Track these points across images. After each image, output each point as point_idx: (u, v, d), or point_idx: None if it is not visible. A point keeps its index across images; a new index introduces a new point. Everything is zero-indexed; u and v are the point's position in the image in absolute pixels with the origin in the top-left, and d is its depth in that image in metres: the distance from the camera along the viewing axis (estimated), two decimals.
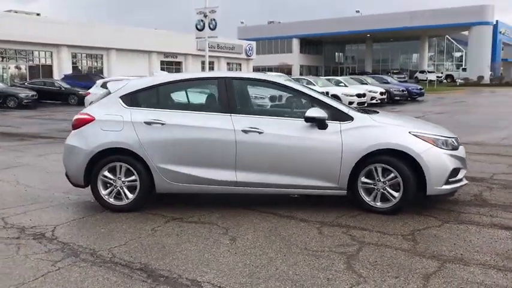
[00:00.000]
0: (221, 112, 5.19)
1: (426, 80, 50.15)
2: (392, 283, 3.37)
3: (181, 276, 3.55)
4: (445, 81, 58.98)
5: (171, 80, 5.52)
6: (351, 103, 20.35)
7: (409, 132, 5.06)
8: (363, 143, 4.96)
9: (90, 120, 5.29)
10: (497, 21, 62.58)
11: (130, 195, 5.26)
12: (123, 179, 5.25)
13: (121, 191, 5.27)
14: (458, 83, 55.18)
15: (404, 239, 4.29)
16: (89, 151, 5.20)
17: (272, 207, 5.33)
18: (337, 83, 24.57)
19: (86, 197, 5.93)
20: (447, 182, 5.01)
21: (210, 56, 44.79)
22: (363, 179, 5.07)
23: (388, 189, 5.01)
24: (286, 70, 61.61)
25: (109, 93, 5.47)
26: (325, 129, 5.00)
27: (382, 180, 5.01)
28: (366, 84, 26.25)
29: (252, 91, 5.51)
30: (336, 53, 79.59)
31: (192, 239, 4.37)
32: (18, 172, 7.63)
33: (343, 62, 79.48)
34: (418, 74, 59.62)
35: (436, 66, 71.30)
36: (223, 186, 5.17)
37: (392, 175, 4.96)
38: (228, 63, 53.58)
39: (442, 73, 63.18)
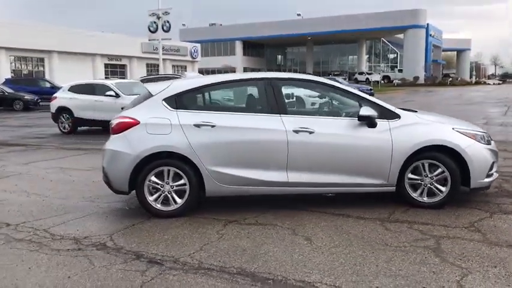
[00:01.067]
0: (270, 113, 5.17)
1: (366, 81, 52.10)
2: (496, 272, 3.53)
3: (288, 278, 3.51)
4: (382, 81, 61.52)
5: (215, 81, 5.42)
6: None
7: (453, 129, 5.29)
8: (412, 140, 5.12)
9: (135, 124, 5.09)
10: (428, 24, 66.17)
11: (179, 200, 5.11)
12: (171, 184, 5.09)
13: (169, 196, 5.11)
14: (395, 84, 57.75)
15: (470, 231, 4.48)
16: (135, 156, 5.00)
17: (317, 206, 5.35)
18: None
19: (116, 204, 5.70)
20: (487, 175, 5.28)
21: (155, 59, 44.11)
22: (410, 175, 5.23)
23: (435, 184, 5.20)
24: (230, 72, 61.63)
25: (149, 95, 5.28)
26: (374, 127, 5.12)
27: (429, 175, 5.19)
28: None
29: (297, 92, 5.53)
30: (278, 56, 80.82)
31: (267, 241, 4.32)
32: (18, 182, 7.18)
33: (284, 64, 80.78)
34: (357, 76, 61.79)
35: (373, 67, 74.21)
36: (274, 187, 5.15)
37: (439, 170, 5.16)
38: (173, 66, 52.87)
39: (379, 74, 65.81)
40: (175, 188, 5.10)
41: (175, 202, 5.12)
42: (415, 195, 5.26)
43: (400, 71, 64.30)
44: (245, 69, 71.29)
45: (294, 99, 6.22)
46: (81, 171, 7.98)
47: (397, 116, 5.21)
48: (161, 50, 28.76)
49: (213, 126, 5.05)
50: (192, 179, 5.05)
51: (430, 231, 4.50)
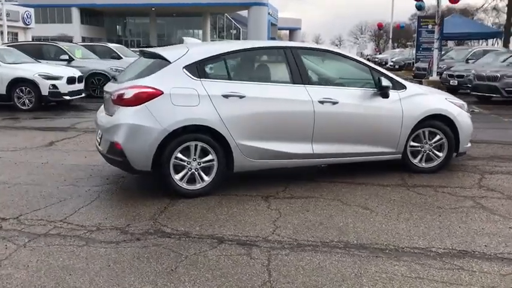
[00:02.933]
0: (295, 83, 5.02)
1: None
2: None
3: (400, 246, 3.54)
4: None
5: (237, 48, 5.02)
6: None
7: (446, 99, 5.79)
8: (418, 109, 5.47)
9: (157, 94, 4.48)
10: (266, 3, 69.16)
11: (206, 178, 4.70)
12: (198, 160, 4.65)
13: (196, 173, 4.66)
14: None
15: (490, 190, 4.99)
16: (161, 130, 4.43)
17: (331, 177, 5.40)
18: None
19: (108, 187, 5.03)
20: (469, 141, 5.93)
21: None
22: (411, 143, 5.59)
23: (433, 150, 5.65)
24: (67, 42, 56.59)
25: (165, 62, 4.69)
26: (388, 97, 5.33)
27: (429, 142, 5.63)
28: None
29: (315, 62, 5.41)
30: (118, 26, 76.57)
31: (331, 212, 4.26)
32: None
33: (125, 35, 77.01)
34: None
35: None
36: (300, 159, 5.06)
37: (438, 137, 5.61)
38: (1, 32, 46.57)
39: None
40: (202, 164, 4.67)
41: (202, 180, 4.69)
42: (415, 161, 5.64)
43: None
44: (84, 39, 66.15)
45: (328, 70, 6.00)
46: (13, 152, 6.74)
47: (404, 87, 5.48)
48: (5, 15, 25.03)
49: (241, 97, 4.71)
50: (220, 154, 4.68)
51: (457, 192, 4.90)
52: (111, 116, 4.64)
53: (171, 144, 4.51)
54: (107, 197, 4.71)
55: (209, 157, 4.67)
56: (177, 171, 4.60)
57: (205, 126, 4.58)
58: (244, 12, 68.64)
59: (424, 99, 5.59)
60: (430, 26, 23.89)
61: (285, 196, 4.73)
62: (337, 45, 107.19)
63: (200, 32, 75.84)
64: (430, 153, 5.65)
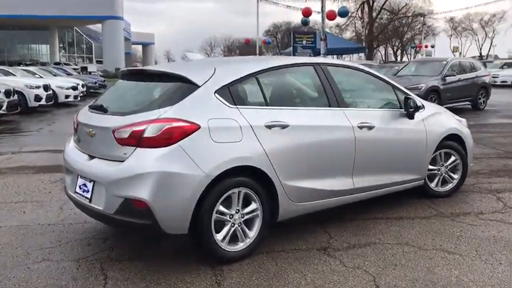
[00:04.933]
0: (331, 106, 4.20)
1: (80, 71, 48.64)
2: None
3: None
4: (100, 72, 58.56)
5: (269, 66, 3.98)
6: (67, 96, 18.17)
7: (453, 117, 5.47)
8: (439, 130, 5.03)
9: (193, 129, 3.30)
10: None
11: (250, 233, 3.63)
12: (241, 212, 3.57)
13: (239, 229, 3.57)
14: (100, 74, 55.89)
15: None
16: (202, 177, 3.26)
17: (359, 213, 4.64)
18: (7, 74, 19.67)
19: (115, 255, 3.66)
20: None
21: None
22: (429, 166, 5.15)
23: (449, 172, 5.27)
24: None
25: (192, 86, 3.52)
26: (413, 119, 4.80)
27: (445, 164, 5.23)
28: (54, 76, 23.29)
29: (343, 80, 4.58)
30: None
31: (415, 265, 3.52)
32: None
33: None
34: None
35: (68, 58, 69.71)
36: (342, 196, 4.24)
37: (453, 158, 5.24)
38: None
39: (76, 65, 62.43)
40: (245, 216, 3.59)
41: (246, 236, 3.61)
42: (432, 185, 5.20)
43: (100, 62, 62.52)
44: None
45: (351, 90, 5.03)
46: None
47: (423, 106, 5.00)
48: None
49: (284, 126, 3.75)
50: (264, 201, 3.65)
51: (500, 218, 4.53)
52: (121, 161, 3.31)
53: (212, 194, 3.35)
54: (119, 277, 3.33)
55: (252, 206, 3.61)
56: (217, 230, 3.45)
57: (251, 166, 3.51)
58: (95, 26, 64.90)
59: (441, 118, 5.18)
60: (304, 42, 24.74)
61: (342, 246, 3.86)
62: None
63: (47, 46, 69.68)
64: (446, 175, 5.25)
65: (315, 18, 30.47)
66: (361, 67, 4.75)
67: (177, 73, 3.64)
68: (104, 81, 28.59)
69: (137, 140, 3.25)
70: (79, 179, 3.68)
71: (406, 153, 4.72)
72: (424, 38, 57.46)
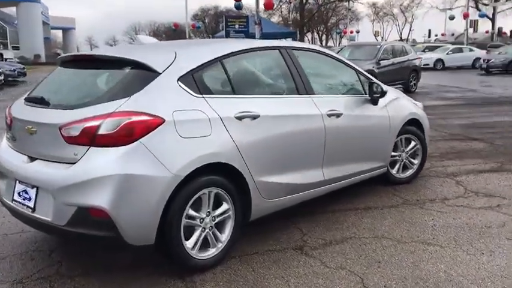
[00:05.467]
0: (299, 93, 3.90)
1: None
2: None
3: None
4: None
5: (235, 50, 3.57)
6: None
7: (411, 101, 5.37)
8: (400, 115, 4.90)
9: (157, 123, 2.87)
10: None
11: (222, 237, 3.27)
12: (213, 214, 3.20)
13: (210, 233, 3.20)
14: (17, 61, 52.26)
15: (490, 196, 4.71)
16: (170, 178, 2.85)
17: (327, 205, 4.39)
18: None
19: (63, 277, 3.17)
20: None
21: None
22: (392, 153, 5.02)
23: (409, 158, 5.18)
24: None
25: (151, 73, 3.06)
26: (377, 104, 4.63)
27: (405, 150, 5.13)
28: None
29: (308, 65, 4.24)
30: None
31: (400, 261, 3.34)
32: None
33: None
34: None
35: None
36: (313, 189, 3.98)
37: (413, 143, 5.15)
38: None
39: None
40: (217, 219, 3.23)
41: (218, 241, 3.25)
42: (393, 172, 5.08)
43: (16, 48, 58.32)
44: None
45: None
46: None
47: (386, 92, 4.82)
48: None
49: (255, 117, 3.40)
50: (237, 200, 3.30)
51: (466, 203, 4.49)
52: (71, 163, 2.81)
53: (181, 197, 2.95)
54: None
55: (224, 207, 3.24)
56: (186, 237, 3.05)
57: (222, 163, 3.14)
58: (9, 10, 60.49)
59: (402, 103, 5.05)
60: (237, 26, 24.37)
61: (318, 243, 3.60)
62: (111, 45, 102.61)
63: None
64: (406, 161, 5.15)
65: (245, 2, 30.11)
66: (325, 50, 4.48)
67: (132, 58, 3.15)
68: (24, 68, 26.56)
69: (90, 138, 2.76)
70: (17, 184, 3.12)
71: (372, 141, 4.55)
72: (349, 23, 58.93)
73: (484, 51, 30.95)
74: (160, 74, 3.05)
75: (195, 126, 3.02)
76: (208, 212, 3.14)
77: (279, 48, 3.91)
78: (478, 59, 29.30)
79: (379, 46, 14.54)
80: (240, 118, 3.27)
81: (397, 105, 4.88)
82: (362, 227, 3.92)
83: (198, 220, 3.08)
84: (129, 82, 3.04)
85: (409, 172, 5.18)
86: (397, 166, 5.09)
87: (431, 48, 33.41)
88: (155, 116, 2.85)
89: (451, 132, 8.25)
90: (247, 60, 3.80)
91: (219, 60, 3.39)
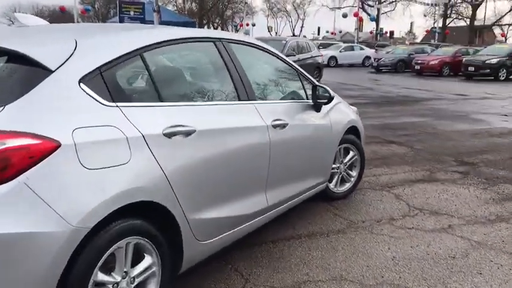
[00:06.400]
0: (240, 99, 3.06)
1: None
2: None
3: None
4: None
5: (158, 40, 2.58)
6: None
7: (349, 106, 4.79)
8: (341, 122, 4.28)
9: (49, 149, 1.85)
10: None
11: None
12: (131, 274, 2.25)
13: None
14: None
15: (436, 213, 4.28)
16: (69, 232, 1.86)
17: (266, 234, 3.60)
18: None
19: None
20: None
21: None
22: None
23: (347, 170, 4.60)
24: None
25: (40, 71, 2.02)
26: (320, 111, 3.95)
27: (344, 161, 4.54)
28: None
29: (248, 62, 3.34)
30: None
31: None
32: None
33: None
34: None
35: None
36: (257, 218, 3.17)
37: (351, 154, 4.57)
38: None
39: None
40: (137, 280, 2.28)
41: None
42: (331, 186, 4.46)
43: None
44: None
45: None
46: None
47: (333, 97, 4.12)
48: None
49: (189, 133, 2.49)
50: (163, 250, 2.39)
51: (405, 225, 4.00)
52: None
53: (86, 258, 1.97)
54: None
55: (147, 261, 2.31)
56: None
57: (146, 202, 2.20)
58: None
59: (342, 109, 4.44)
60: (132, 13, 22.73)
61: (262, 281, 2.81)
62: None
63: None
64: (344, 173, 4.56)
65: None
66: (266, 46, 3.65)
67: (10, 48, 2.06)
68: None
69: None
70: None
71: (316, 154, 3.88)
72: (245, 16, 58.86)
73: (373, 50, 32.43)
74: (53, 72, 2.02)
75: (106, 150, 2.04)
76: (125, 272, 2.18)
77: (214, 40, 3.01)
78: (367, 57, 30.63)
79: (284, 42, 14.13)
80: (169, 135, 2.35)
81: (337, 111, 4.25)
82: (313, 263, 3.20)
83: (111, 286, 2.11)
84: (4, 84, 1.96)
85: (347, 186, 4.59)
86: (334, 180, 4.47)
87: (325, 46, 34.27)
88: (44, 137, 1.84)
89: (367, 135, 7.84)
90: (178, 55, 2.86)
91: (140, 53, 2.42)
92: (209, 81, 3.09)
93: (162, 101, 2.46)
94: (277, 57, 3.70)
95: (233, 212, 2.85)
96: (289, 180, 3.50)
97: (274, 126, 3.19)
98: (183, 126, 2.42)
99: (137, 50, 2.39)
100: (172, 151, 2.35)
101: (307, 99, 3.81)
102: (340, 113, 4.30)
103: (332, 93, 3.83)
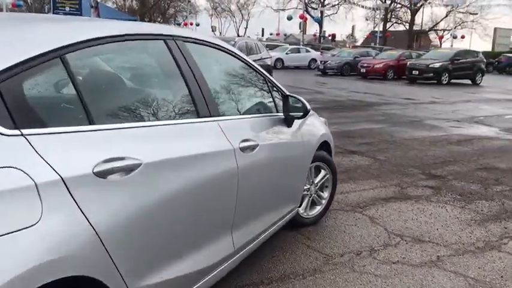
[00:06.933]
0: (199, 115, 2.36)
1: None
2: None
3: None
4: None
5: (89, 36, 1.81)
6: None
7: (319, 118, 4.20)
8: (312, 138, 3.68)
9: None
10: None
11: None
12: None
13: None
14: None
15: (417, 240, 3.77)
16: None
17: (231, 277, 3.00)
18: None
19: None
20: None
21: None
22: None
23: (318, 191, 4.01)
24: None
25: None
26: (291, 126, 3.32)
27: (315, 182, 3.95)
28: None
29: (207, 67, 2.61)
30: None
31: None
32: None
33: None
34: None
35: None
36: (218, 268, 2.48)
37: (323, 172, 3.99)
38: None
39: None
40: None
41: None
42: (301, 211, 3.86)
43: None
44: None
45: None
46: None
47: (309, 109, 3.49)
48: None
49: (132, 168, 1.77)
50: None
51: (389, 257, 3.46)
52: None
53: None
54: None
55: None
56: None
57: (68, 278, 1.47)
58: None
59: (313, 123, 3.83)
60: (67, 8, 21.31)
61: None
62: None
63: None
64: (315, 196, 3.97)
65: None
66: (230, 47, 2.95)
67: None
68: None
69: None
70: None
71: (287, 178, 3.27)
72: (189, 15, 57.64)
73: (319, 53, 32.45)
74: None
75: (3, 206, 1.28)
76: None
77: (165, 38, 2.28)
78: (313, 60, 30.58)
79: (233, 42, 13.48)
80: (103, 174, 1.62)
81: (309, 126, 3.63)
82: None
83: None
84: None
85: (318, 209, 4.01)
86: (304, 203, 3.88)
87: (271, 47, 33.92)
88: None
89: None
90: (113, 57, 2.10)
91: (60, 55, 1.66)
92: (159, 94, 2.33)
93: (92, 124, 1.71)
94: (243, 61, 3.03)
95: (193, 267, 2.16)
96: (259, 214, 2.85)
97: (243, 149, 2.52)
98: (123, 159, 1.70)
99: (56, 50, 1.64)
100: (108, 197, 1.63)
101: (277, 112, 3.16)
102: (313, 127, 3.70)
103: (308, 105, 3.20)
